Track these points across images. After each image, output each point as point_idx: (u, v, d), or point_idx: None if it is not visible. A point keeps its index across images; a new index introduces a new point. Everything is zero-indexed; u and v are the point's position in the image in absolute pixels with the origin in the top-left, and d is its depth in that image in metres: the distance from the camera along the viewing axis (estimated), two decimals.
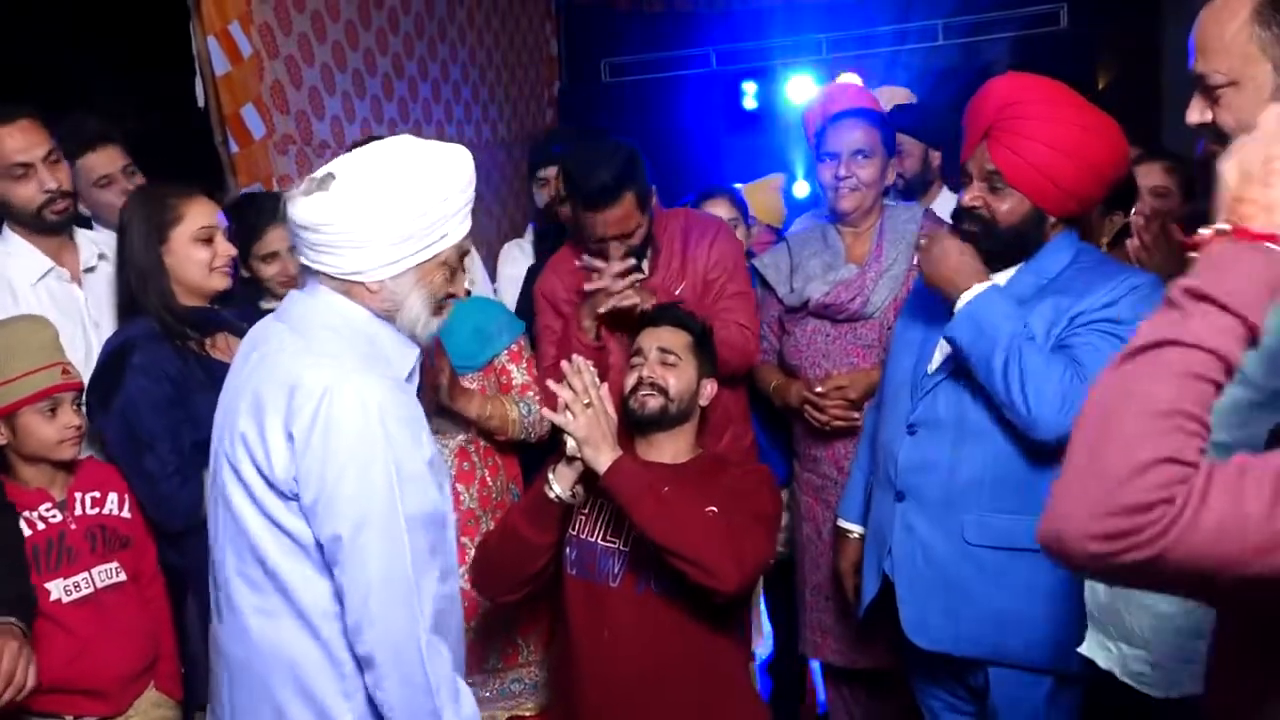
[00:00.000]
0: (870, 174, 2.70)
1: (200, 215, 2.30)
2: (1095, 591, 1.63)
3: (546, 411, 2.04)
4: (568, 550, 2.18)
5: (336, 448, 1.53)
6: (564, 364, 2.05)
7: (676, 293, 2.59)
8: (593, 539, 2.16)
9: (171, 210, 2.28)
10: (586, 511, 2.19)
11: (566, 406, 1.97)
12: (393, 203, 1.56)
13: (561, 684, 2.24)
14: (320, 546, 1.59)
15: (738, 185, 3.91)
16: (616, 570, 2.12)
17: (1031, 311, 1.98)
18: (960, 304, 1.99)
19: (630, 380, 2.24)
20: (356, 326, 1.63)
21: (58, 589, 2.07)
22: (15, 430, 2.09)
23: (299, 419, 1.54)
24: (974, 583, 2.04)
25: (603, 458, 1.97)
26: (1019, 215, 1.98)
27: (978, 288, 1.98)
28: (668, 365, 2.22)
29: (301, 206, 1.57)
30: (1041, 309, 1.98)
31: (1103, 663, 1.63)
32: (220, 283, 2.33)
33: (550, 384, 2.04)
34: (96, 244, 2.62)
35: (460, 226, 1.64)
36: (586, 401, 1.98)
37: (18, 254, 2.47)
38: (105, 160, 2.79)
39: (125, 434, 2.22)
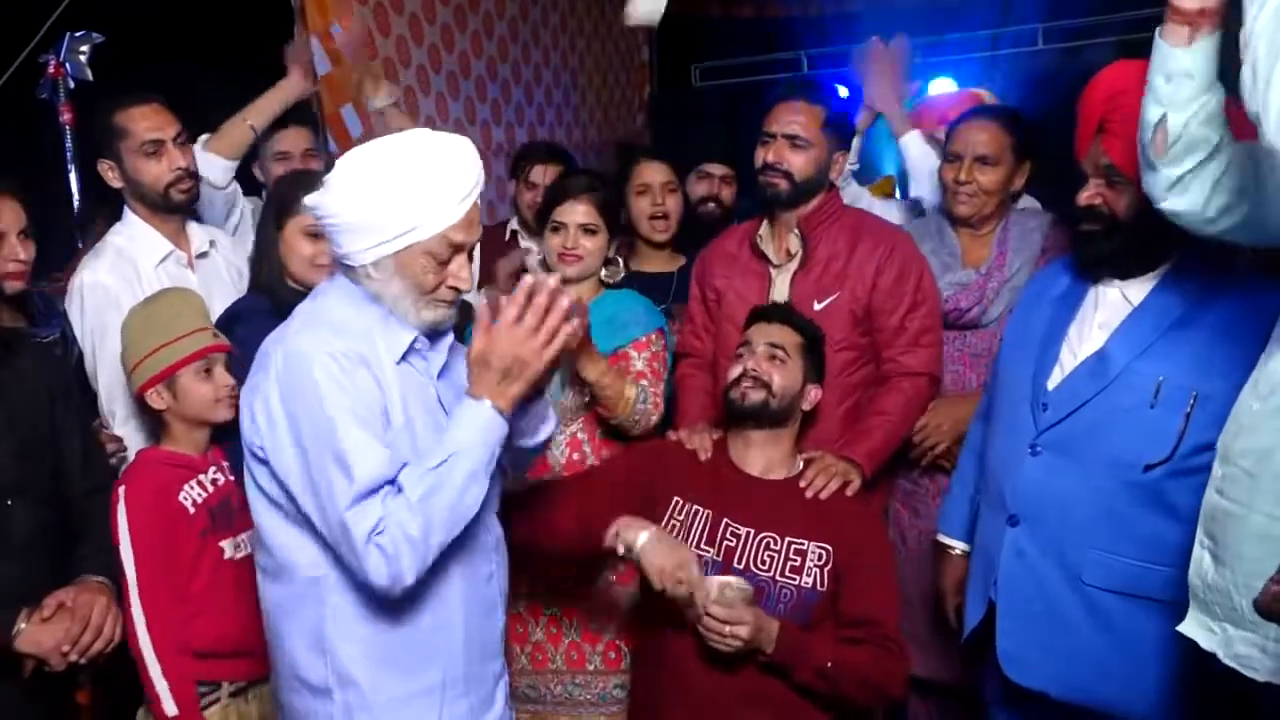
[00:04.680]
0: (992, 181, 2.59)
1: None
2: (1202, 569, 1.54)
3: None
4: None
5: (276, 400, 1.62)
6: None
7: (818, 306, 2.44)
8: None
9: (295, 200, 2.33)
10: (681, 519, 2.16)
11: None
12: (366, 192, 1.61)
13: (645, 694, 2.21)
14: (293, 500, 1.64)
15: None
16: None
17: (1188, 342, 1.86)
18: None
19: (734, 371, 2.20)
20: (344, 303, 1.70)
21: (230, 548, 2.18)
22: (176, 393, 2.17)
23: (252, 379, 1.68)
24: (1084, 625, 1.93)
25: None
26: (1140, 209, 1.84)
27: None
28: (775, 361, 2.18)
29: (312, 195, 1.66)
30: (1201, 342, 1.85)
31: (1204, 644, 1.53)
32: (320, 277, 2.36)
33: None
34: (208, 233, 2.74)
35: (436, 218, 1.61)
36: None
37: (141, 237, 2.59)
38: (292, 138, 3.08)
39: None
